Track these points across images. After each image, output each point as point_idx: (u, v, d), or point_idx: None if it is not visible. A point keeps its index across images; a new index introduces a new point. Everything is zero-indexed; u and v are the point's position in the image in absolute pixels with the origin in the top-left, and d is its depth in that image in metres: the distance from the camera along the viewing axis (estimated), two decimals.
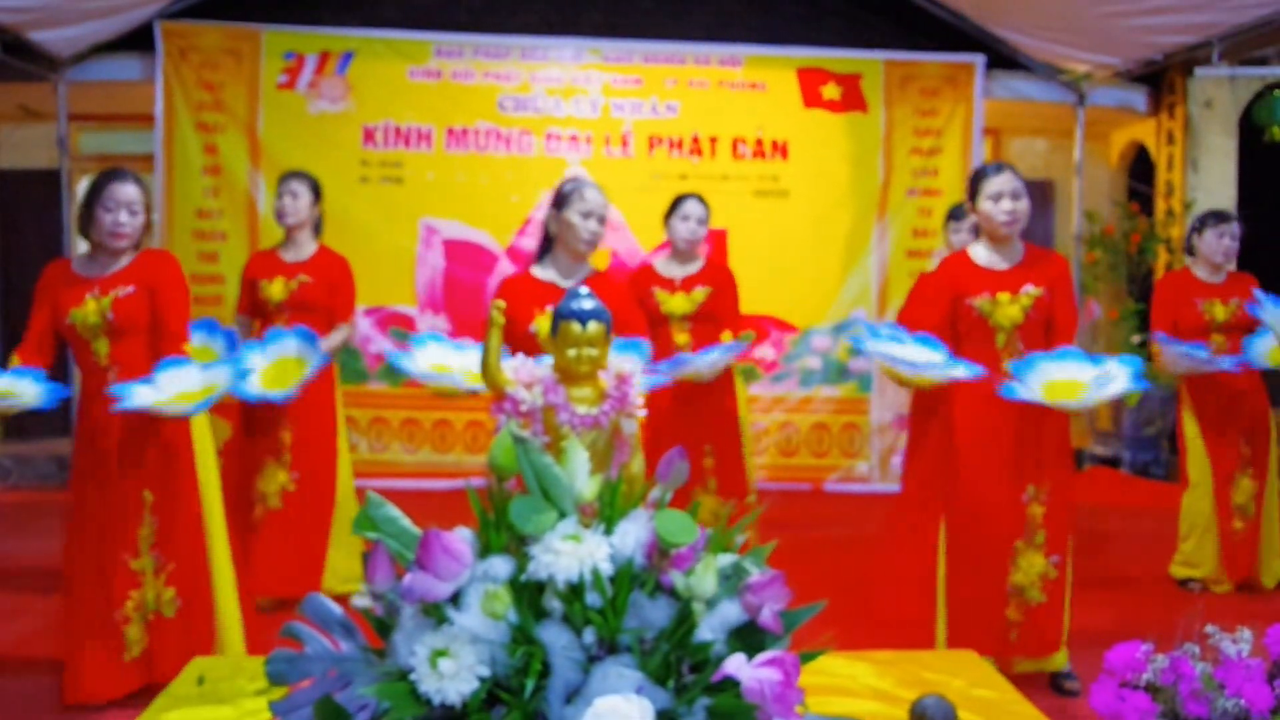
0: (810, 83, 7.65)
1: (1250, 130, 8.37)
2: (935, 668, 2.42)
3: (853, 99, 7.68)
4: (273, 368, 4.27)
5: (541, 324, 3.41)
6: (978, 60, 7.78)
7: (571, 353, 1.96)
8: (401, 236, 7.33)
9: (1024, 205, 3.71)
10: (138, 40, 7.25)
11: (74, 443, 3.69)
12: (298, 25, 7.39)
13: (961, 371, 3.51)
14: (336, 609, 1.89)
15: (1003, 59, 8.05)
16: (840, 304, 7.60)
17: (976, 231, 3.90)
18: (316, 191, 4.83)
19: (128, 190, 3.59)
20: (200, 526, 3.67)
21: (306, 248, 4.82)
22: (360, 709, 1.72)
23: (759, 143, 7.63)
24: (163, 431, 3.60)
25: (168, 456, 3.61)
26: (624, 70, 7.56)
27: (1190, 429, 5.20)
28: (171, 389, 3.40)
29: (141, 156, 7.61)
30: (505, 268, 7.41)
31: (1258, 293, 4.40)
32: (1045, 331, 3.75)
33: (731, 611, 1.72)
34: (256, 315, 4.83)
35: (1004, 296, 3.71)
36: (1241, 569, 5.13)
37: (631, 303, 3.85)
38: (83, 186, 8.85)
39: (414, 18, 7.62)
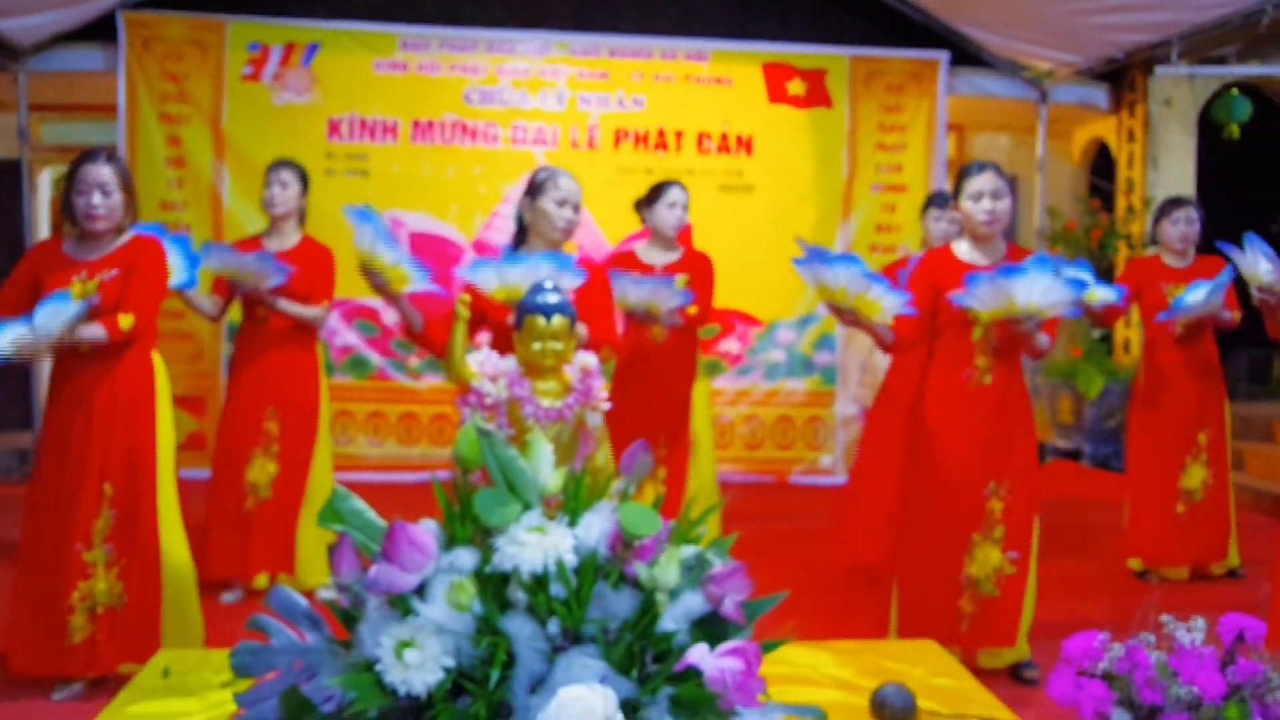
0: (776, 78, 7.69)
1: (1209, 128, 8.49)
2: (896, 657, 2.46)
3: (818, 94, 7.73)
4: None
5: None
6: (942, 57, 7.84)
7: (536, 346, 1.98)
8: None
9: (1004, 205, 3.75)
10: (100, 30, 7.19)
11: (41, 425, 3.66)
12: (262, 16, 7.35)
13: (879, 290, 3.52)
14: (302, 601, 1.90)
15: (967, 56, 8.11)
16: (805, 298, 7.64)
17: (959, 226, 3.95)
18: (305, 182, 4.82)
19: (99, 171, 3.55)
20: (155, 522, 3.65)
21: (291, 237, 4.81)
22: (326, 700, 1.73)
23: (724, 137, 7.66)
24: (129, 423, 3.58)
25: (132, 450, 3.59)
26: (590, 64, 7.57)
27: (1137, 414, 5.28)
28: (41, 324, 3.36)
29: (104, 147, 7.54)
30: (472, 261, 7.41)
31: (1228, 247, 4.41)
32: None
33: (694, 602, 1.75)
34: (241, 302, 4.79)
35: None
36: (1188, 555, 5.22)
37: (607, 290, 3.86)
38: (44, 177, 8.78)
39: (380, 10, 7.60)
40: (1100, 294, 4.91)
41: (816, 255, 3.56)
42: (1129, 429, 5.41)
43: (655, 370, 4.73)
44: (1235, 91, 8.23)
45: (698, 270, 4.84)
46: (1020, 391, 3.86)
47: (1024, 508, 3.83)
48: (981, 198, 3.74)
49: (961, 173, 3.85)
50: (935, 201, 5.03)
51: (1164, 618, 3.03)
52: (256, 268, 4.48)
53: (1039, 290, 3.53)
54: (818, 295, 3.64)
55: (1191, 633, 3.01)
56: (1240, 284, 4.36)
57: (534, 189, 3.59)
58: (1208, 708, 2.81)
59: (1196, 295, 4.87)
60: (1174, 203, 5.25)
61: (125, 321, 3.52)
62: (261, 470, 4.69)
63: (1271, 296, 3.76)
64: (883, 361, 7.64)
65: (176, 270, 3.95)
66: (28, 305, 3.52)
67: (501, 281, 3.24)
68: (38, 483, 3.63)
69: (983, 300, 3.57)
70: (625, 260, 4.86)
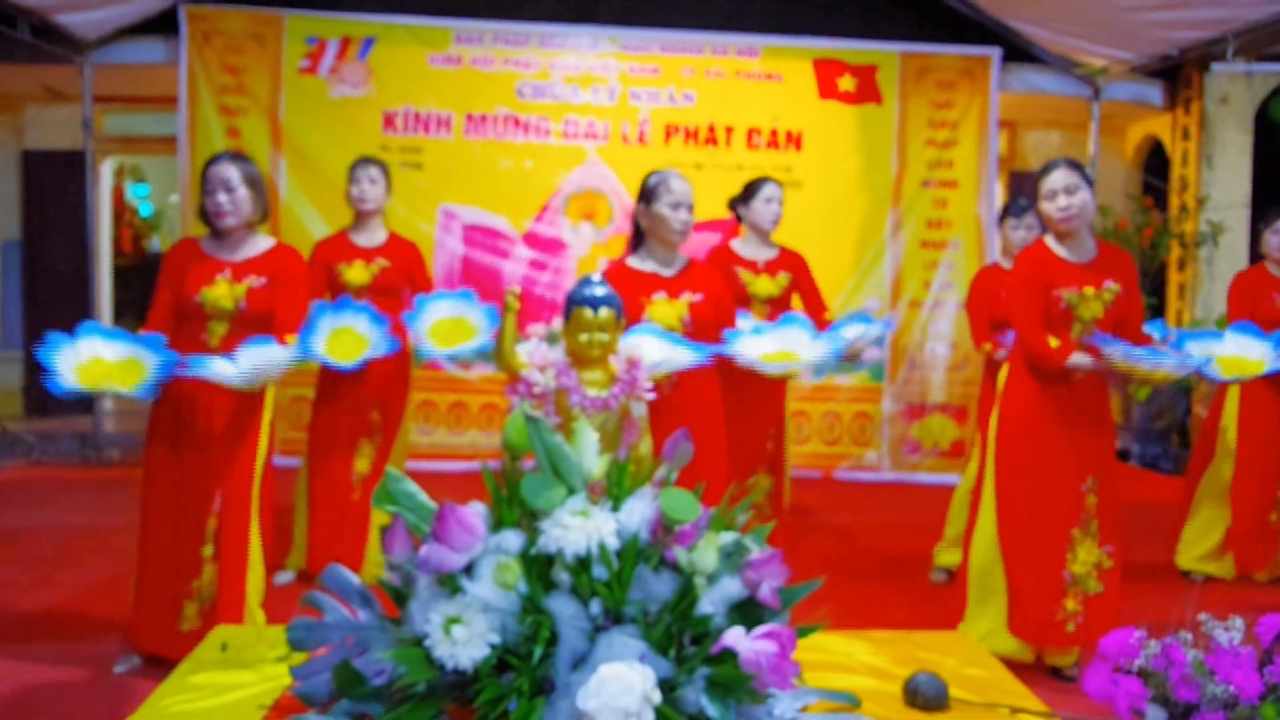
0: (826, 74, 7.70)
1: (1265, 126, 8.40)
2: (930, 647, 2.50)
3: (868, 90, 7.73)
4: (335, 336, 4.30)
5: (652, 311, 3.55)
6: (994, 53, 7.81)
7: (583, 337, 2.05)
8: (421, 221, 7.42)
9: (1080, 198, 3.73)
10: (162, 24, 7.35)
11: (151, 424, 3.74)
12: (320, 10, 7.47)
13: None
14: (355, 579, 1.98)
15: (1018, 52, 8.08)
16: (854, 294, 7.66)
17: (1042, 227, 3.96)
18: (389, 178, 4.89)
19: (221, 170, 3.67)
20: (250, 522, 3.74)
21: (379, 233, 4.87)
22: (377, 674, 1.81)
23: (774, 133, 7.68)
24: (239, 428, 3.68)
25: (238, 455, 3.68)
26: (641, 59, 7.62)
27: (1230, 417, 5.26)
28: (248, 365, 3.48)
29: (165, 138, 7.72)
30: (523, 252, 7.50)
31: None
32: (1115, 326, 3.82)
33: (732, 587, 1.81)
34: (332, 299, 4.81)
35: (1089, 290, 3.78)
36: (1258, 561, 5.20)
37: (727, 289, 3.92)
38: (106, 167, 8.97)
39: (434, 4, 7.69)
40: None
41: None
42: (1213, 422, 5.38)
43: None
44: None
45: (798, 269, 4.90)
46: (1104, 390, 3.90)
47: (1114, 501, 3.87)
48: (1055, 196, 3.74)
49: (1041, 172, 3.85)
50: (1012, 210, 5.02)
51: (1202, 617, 3.05)
52: (364, 329, 4.42)
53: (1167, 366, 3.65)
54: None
55: (1230, 632, 3.03)
56: None
57: (647, 195, 3.66)
58: (1244, 707, 2.83)
59: None
60: (1277, 211, 5.23)
61: (291, 342, 3.66)
62: (367, 459, 4.77)
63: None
64: (935, 360, 7.70)
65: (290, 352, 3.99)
66: (178, 307, 3.67)
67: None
68: (154, 476, 3.71)
69: (1112, 354, 3.63)
70: (722, 257, 4.89)
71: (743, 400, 4.44)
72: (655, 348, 3.23)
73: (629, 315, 3.44)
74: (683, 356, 3.32)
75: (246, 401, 3.67)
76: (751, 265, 4.81)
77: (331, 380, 4.70)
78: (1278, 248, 5.12)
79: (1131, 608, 4.18)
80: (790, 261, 4.89)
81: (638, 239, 3.76)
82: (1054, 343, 3.71)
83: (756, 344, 3.67)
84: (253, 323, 3.65)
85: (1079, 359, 3.70)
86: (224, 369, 3.41)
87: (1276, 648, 2.97)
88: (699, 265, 3.82)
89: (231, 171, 3.65)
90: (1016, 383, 3.89)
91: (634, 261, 3.73)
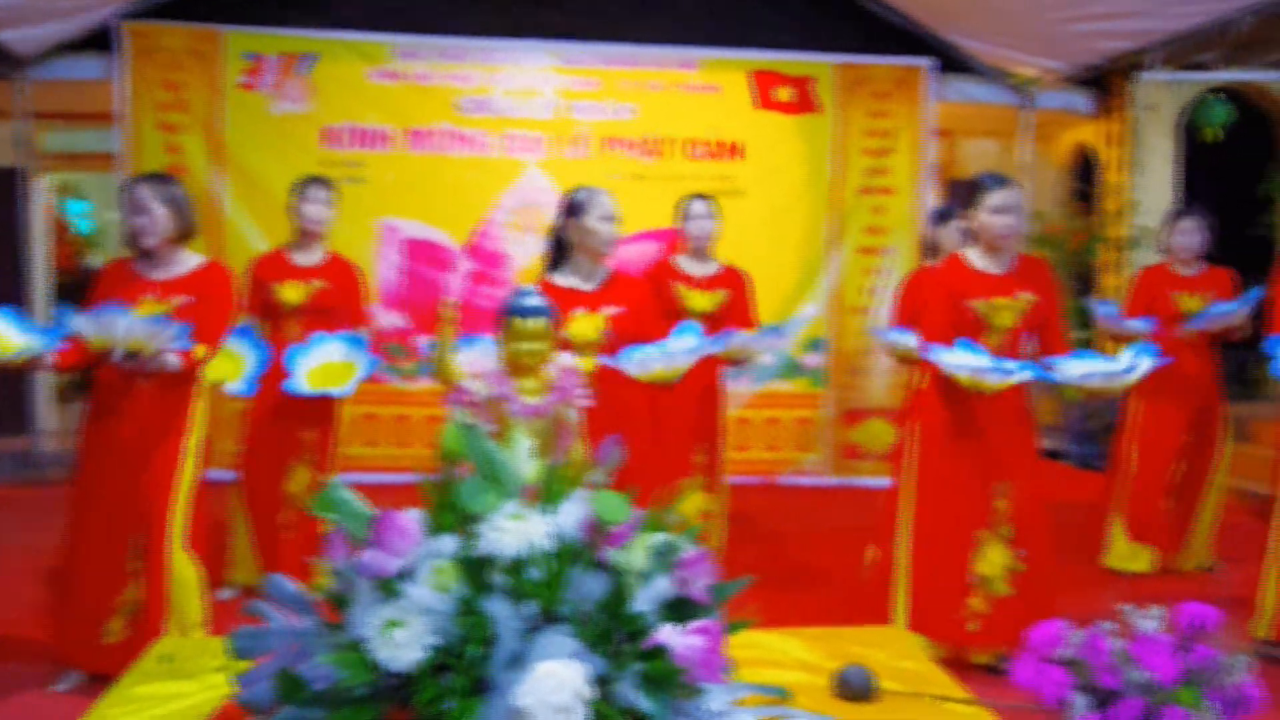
0: (763, 85, 7.81)
1: (1190, 133, 8.62)
2: (861, 641, 2.58)
3: (805, 101, 7.86)
4: (319, 370, 4.35)
5: (571, 327, 3.56)
6: (927, 64, 7.97)
7: (519, 346, 2.11)
8: (362, 236, 7.42)
9: (1021, 220, 3.90)
10: (100, 40, 7.30)
11: (79, 438, 3.78)
12: (259, 26, 7.46)
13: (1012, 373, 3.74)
14: (296, 588, 2.02)
15: (953, 62, 8.23)
16: (796, 301, 7.76)
17: (967, 234, 4.07)
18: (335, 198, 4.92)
19: (136, 192, 3.74)
20: (170, 534, 3.75)
21: (319, 252, 4.87)
22: (318, 679, 1.85)
23: (713, 144, 7.78)
24: (165, 444, 3.72)
25: (163, 466, 3.71)
26: (581, 73, 7.69)
27: (1135, 410, 5.42)
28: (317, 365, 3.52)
29: (105, 155, 7.67)
30: (464, 265, 7.53)
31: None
32: (1034, 335, 3.95)
33: (663, 585, 1.87)
34: (266, 317, 4.81)
35: (1001, 300, 3.90)
36: (1164, 545, 5.39)
37: (654, 301, 3.99)
38: (43, 185, 8.89)
39: (374, 20, 7.71)
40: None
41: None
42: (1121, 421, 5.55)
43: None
44: (1215, 97, 8.35)
45: (737, 286, 4.97)
46: (1023, 398, 4.01)
47: (1032, 505, 3.96)
48: (1004, 212, 3.87)
49: (980, 185, 3.96)
50: (943, 215, 5.15)
51: (1123, 607, 3.16)
52: (344, 355, 4.54)
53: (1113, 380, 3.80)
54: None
55: (1150, 621, 3.15)
56: None
57: (576, 209, 3.72)
58: (1163, 692, 2.94)
59: (1226, 309, 5.14)
60: (1179, 212, 5.42)
61: (199, 353, 3.69)
62: (299, 481, 4.77)
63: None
64: (874, 364, 7.83)
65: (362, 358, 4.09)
66: None
67: None
68: (81, 488, 3.74)
69: (1068, 378, 3.76)
70: (663, 271, 4.95)
71: (669, 413, 4.51)
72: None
73: None
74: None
75: (173, 415, 3.71)
76: (688, 280, 4.89)
77: (261, 398, 4.68)
78: (1183, 248, 5.30)
79: (1062, 602, 4.28)
80: (730, 279, 4.98)
81: (558, 255, 3.81)
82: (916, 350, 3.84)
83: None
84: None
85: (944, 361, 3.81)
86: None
87: (1193, 635, 3.09)
88: (623, 278, 3.87)
89: (145, 193, 3.73)
90: (931, 388, 4.00)
91: (556, 277, 3.77)
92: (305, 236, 4.83)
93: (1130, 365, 3.77)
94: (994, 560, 3.91)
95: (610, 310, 3.67)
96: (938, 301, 3.91)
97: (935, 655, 3.90)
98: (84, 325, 3.47)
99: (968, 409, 3.91)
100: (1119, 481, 5.52)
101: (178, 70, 7.31)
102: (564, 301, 3.63)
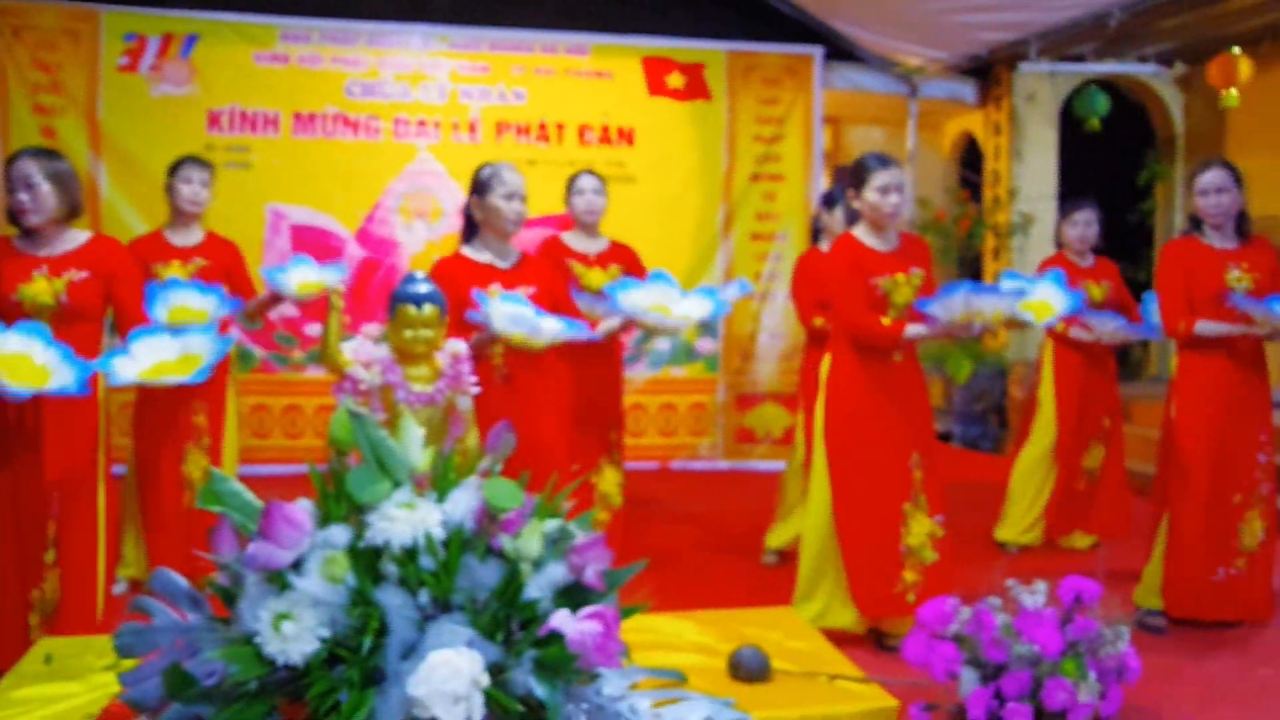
0: (655, 71, 7.83)
1: (1070, 122, 8.88)
2: (755, 623, 2.62)
3: (697, 88, 7.90)
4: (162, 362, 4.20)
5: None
6: (816, 52, 8.07)
7: (408, 334, 2.08)
8: (248, 222, 7.26)
9: (905, 198, 4.00)
10: None
11: None
12: (139, 7, 7.24)
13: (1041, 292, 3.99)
14: (183, 582, 1.97)
15: (840, 51, 8.36)
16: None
17: (853, 214, 4.13)
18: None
19: (22, 166, 3.56)
20: (94, 521, 3.64)
21: (197, 233, 4.79)
22: (207, 674, 1.81)
23: (605, 129, 7.78)
24: (75, 428, 3.58)
25: (77, 447, 3.59)
26: (472, 57, 7.62)
27: (1046, 392, 5.55)
28: (149, 359, 3.38)
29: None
30: (354, 252, 7.42)
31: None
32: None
33: (557, 572, 1.87)
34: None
35: (900, 277, 4.00)
36: (1065, 525, 5.54)
37: (563, 281, 3.98)
38: None
39: (259, 1, 7.55)
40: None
41: (955, 289, 3.76)
42: (1032, 403, 5.68)
43: (590, 359, 4.74)
44: (1094, 87, 8.61)
45: (630, 261, 4.98)
46: (920, 370, 4.15)
47: (938, 474, 4.10)
48: (889, 191, 3.96)
49: (865, 166, 4.03)
50: (829, 200, 5.22)
51: (1009, 582, 3.26)
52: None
53: (1004, 304, 3.83)
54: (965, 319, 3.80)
55: (1034, 595, 3.25)
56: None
57: (481, 186, 3.71)
58: (1047, 663, 3.05)
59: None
60: (1074, 204, 5.55)
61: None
62: (195, 464, 4.66)
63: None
64: (766, 349, 7.92)
65: (201, 342, 3.84)
66: None
67: None
68: None
69: (952, 309, 3.77)
70: (554, 249, 4.94)
71: (585, 391, 4.52)
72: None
73: (464, 304, 3.48)
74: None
75: (78, 401, 3.59)
76: (583, 258, 4.89)
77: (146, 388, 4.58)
78: (1077, 239, 5.45)
79: (950, 577, 4.41)
80: (621, 254, 4.99)
81: (470, 230, 3.81)
82: (886, 321, 3.91)
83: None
84: (76, 317, 3.57)
85: (914, 329, 3.89)
86: (127, 368, 3.34)
87: (1076, 608, 3.20)
88: (531, 259, 3.90)
89: (32, 168, 3.57)
90: (840, 368, 4.07)
91: (469, 251, 3.78)
92: (183, 217, 4.75)
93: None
94: (918, 531, 4.02)
95: (526, 289, 3.67)
96: (850, 279, 3.97)
97: (862, 627, 4.03)
98: None
99: (874, 386, 3.99)
100: (1023, 462, 5.64)
101: (52, 51, 7.07)
102: (481, 276, 3.64)
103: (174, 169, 4.76)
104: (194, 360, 3.44)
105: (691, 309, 4.21)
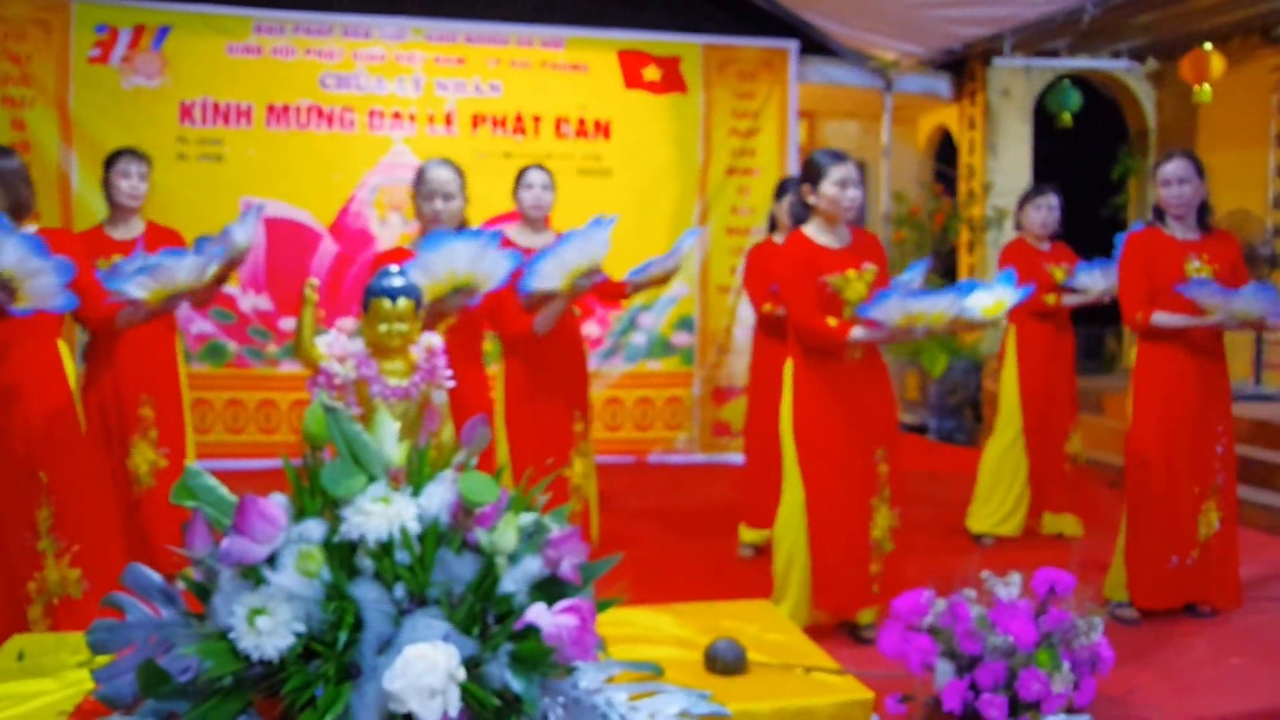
0: (631, 64, 7.83)
1: (1044, 117, 8.93)
2: (732, 615, 2.62)
3: (672, 81, 7.89)
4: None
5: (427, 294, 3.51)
6: (792, 46, 8.08)
7: (383, 328, 2.08)
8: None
9: (861, 193, 4.00)
10: None
11: None
12: None
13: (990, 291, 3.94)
14: (157, 577, 1.96)
15: (815, 45, 8.37)
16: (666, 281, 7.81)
17: (800, 210, 4.13)
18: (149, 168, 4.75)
19: None
20: (106, 503, 3.62)
21: (137, 224, 4.73)
22: (182, 670, 1.80)
23: (581, 122, 7.77)
24: (47, 412, 3.56)
25: (57, 437, 3.57)
26: (447, 49, 7.59)
27: (1009, 381, 5.60)
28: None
29: None
30: (328, 246, 7.39)
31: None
32: None
33: (533, 565, 1.87)
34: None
35: (851, 273, 3.99)
36: (1048, 508, 5.64)
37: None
38: None
39: None
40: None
41: (888, 295, 3.76)
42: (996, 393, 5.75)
43: (556, 347, 4.72)
44: (1067, 82, 8.66)
45: None
46: (883, 366, 4.16)
47: (900, 468, 4.13)
48: (846, 185, 3.96)
49: (819, 161, 4.03)
50: (785, 189, 5.24)
51: (984, 574, 3.28)
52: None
53: (943, 305, 3.81)
54: (907, 321, 3.79)
55: (1008, 587, 3.27)
56: None
57: (414, 182, 3.72)
58: (1022, 654, 3.07)
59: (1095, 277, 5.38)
60: (1036, 190, 5.62)
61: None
62: (142, 457, 4.61)
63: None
64: (741, 343, 7.93)
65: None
66: None
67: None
68: None
69: (889, 314, 3.76)
70: (501, 244, 4.91)
71: (550, 382, 4.50)
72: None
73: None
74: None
75: (55, 387, 3.57)
76: (527, 252, 4.87)
77: (94, 370, 4.51)
78: (1040, 223, 5.51)
79: (927, 569, 4.42)
80: None
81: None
82: (832, 322, 3.90)
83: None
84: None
85: (859, 332, 3.87)
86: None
87: (1050, 599, 3.23)
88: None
89: None
90: (803, 368, 4.06)
91: (413, 249, 3.76)
92: (122, 212, 4.67)
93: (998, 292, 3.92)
94: (881, 524, 4.05)
95: None
96: (806, 279, 3.97)
97: (831, 622, 4.04)
98: None
99: (837, 386, 4.00)
100: (990, 453, 5.68)
101: (21, 41, 6.99)
102: None
103: (110, 162, 4.67)
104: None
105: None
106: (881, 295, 3.76)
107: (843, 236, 4.06)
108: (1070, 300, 5.45)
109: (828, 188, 3.96)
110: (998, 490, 5.61)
